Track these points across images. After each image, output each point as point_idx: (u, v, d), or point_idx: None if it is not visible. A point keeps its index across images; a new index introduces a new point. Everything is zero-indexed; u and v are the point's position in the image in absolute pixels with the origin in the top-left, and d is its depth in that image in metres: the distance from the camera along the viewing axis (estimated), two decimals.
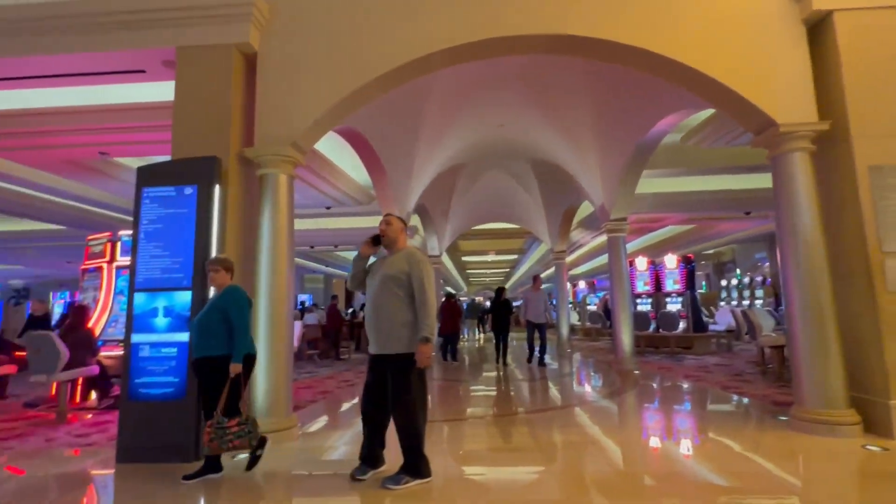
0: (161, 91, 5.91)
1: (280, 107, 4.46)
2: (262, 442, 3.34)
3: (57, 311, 15.14)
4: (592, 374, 8.50)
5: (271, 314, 4.21)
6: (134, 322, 3.88)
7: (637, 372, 7.87)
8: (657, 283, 12.33)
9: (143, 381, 3.79)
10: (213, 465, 3.27)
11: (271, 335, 4.19)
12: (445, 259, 18.81)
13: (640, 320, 10.78)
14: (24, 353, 6.10)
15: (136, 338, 3.85)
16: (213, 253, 3.96)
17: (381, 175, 7.79)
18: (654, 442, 4.15)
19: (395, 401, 3.05)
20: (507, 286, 31.59)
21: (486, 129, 8.75)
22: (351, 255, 19.59)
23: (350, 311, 15.95)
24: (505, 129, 8.73)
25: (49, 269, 20.19)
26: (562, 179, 10.33)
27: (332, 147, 8.36)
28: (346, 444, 4.17)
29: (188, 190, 3.98)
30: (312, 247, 16.94)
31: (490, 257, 27.92)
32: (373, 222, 12.74)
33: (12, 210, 10.78)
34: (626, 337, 8.15)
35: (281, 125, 4.42)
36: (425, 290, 3.10)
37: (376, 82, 4.49)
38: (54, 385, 5.87)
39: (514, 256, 28.16)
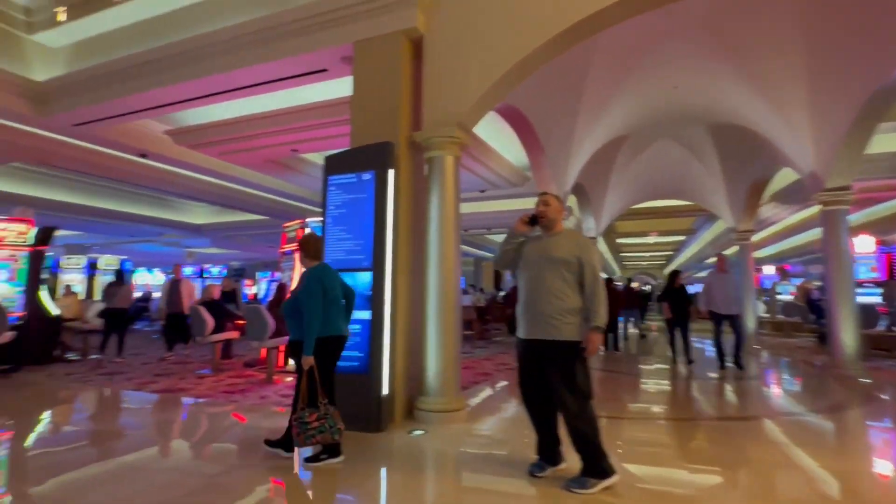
0: (340, 88, 6.45)
1: (445, 87, 4.45)
2: (335, 449, 3.23)
3: (262, 288, 18.11)
4: (795, 378, 7.08)
5: (440, 296, 4.28)
6: None
7: (866, 381, 6.27)
8: (890, 269, 9.74)
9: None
10: (332, 450, 3.24)
11: (440, 317, 4.25)
12: (600, 242, 17.68)
13: (864, 315, 8.62)
14: (243, 322, 7.33)
15: None
16: (389, 236, 4.13)
17: (539, 154, 7.46)
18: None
19: (562, 392, 2.81)
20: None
21: (656, 94, 7.76)
22: (501, 237, 19.62)
23: (502, 293, 15.99)
24: (679, 92, 7.64)
25: (257, 252, 24.38)
26: (751, 146, 8.74)
27: (487, 129, 8.28)
28: (514, 429, 4.07)
29: (366, 175, 4.21)
30: (466, 230, 17.40)
31: (651, 239, 25.50)
32: (525, 204, 12.54)
33: (231, 204, 13.10)
34: (846, 335, 6.56)
35: (447, 105, 4.42)
36: (597, 277, 2.89)
37: (545, 47, 4.19)
38: (263, 350, 6.93)
39: (680, 238, 25.27)
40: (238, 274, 20.56)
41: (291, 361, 7.27)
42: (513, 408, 4.90)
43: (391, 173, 4.20)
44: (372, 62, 4.60)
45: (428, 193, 4.45)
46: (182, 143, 8.56)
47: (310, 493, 3.01)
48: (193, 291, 8.47)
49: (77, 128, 7.40)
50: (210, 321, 6.93)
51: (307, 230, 8.03)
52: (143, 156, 8.92)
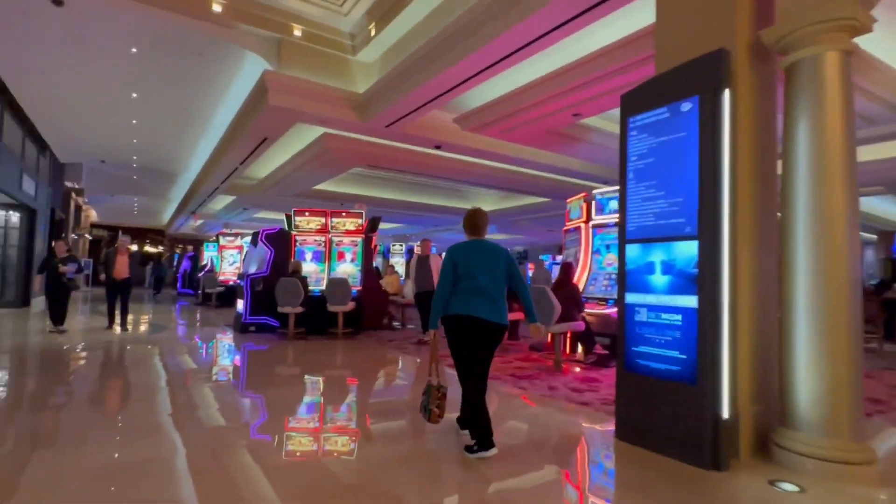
0: (623, 26, 5.26)
1: None
2: (484, 439, 2.86)
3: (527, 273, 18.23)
4: None
5: (819, 279, 2.69)
6: (627, 279, 3.27)
7: None
8: None
9: (641, 352, 3.12)
10: (481, 441, 2.87)
11: (820, 311, 2.67)
12: None
13: None
14: None
15: (630, 298, 3.24)
16: (725, 189, 2.81)
17: None
18: None
19: None
20: None
21: None
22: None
23: (876, 283, 11.10)
24: None
25: (536, 236, 25.02)
26: None
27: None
28: None
29: (685, 106, 2.98)
30: None
31: None
32: None
33: (513, 187, 13.36)
34: None
35: None
36: None
37: None
38: (550, 335, 6.42)
39: None
40: (521, 257, 21.36)
41: (580, 348, 6.57)
42: None
43: (726, 96, 2.85)
44: None
45: (790, 122, 2.88)
46: (467, 128, 8.87)
47: None
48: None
49: (389, 128, 8.47)
50: None
51: (592, 201, 7.13)
52: (438, 147, 9.72)
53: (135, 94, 8.84)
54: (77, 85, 8.48)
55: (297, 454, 3.08)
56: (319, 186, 13.67)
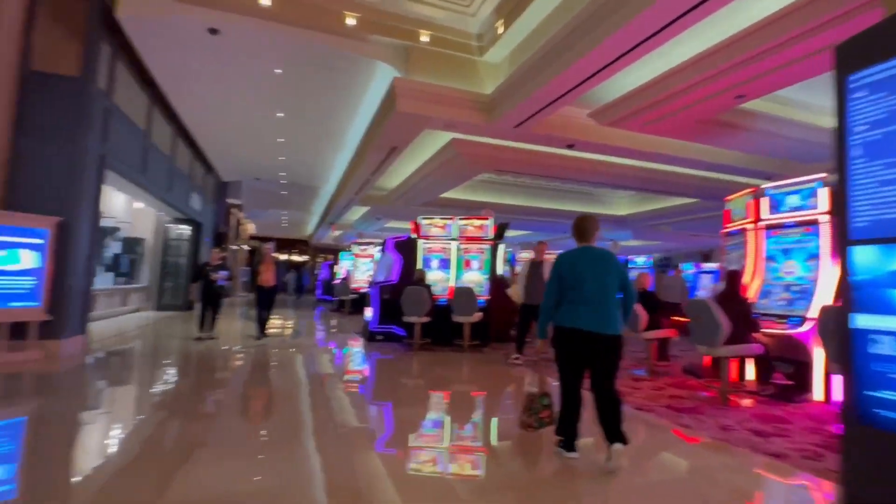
0: None
1: None
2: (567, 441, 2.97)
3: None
4: None
5: None
6: (856, 294, 2.37)
7: None
8: None
9: (883, 398, 2.22)
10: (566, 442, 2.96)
11: None
12: None
13: None
14: (681, 319, 6.01)
15: (862, 321, 2.33)
16: None
17: None
18: None
19: None
20: None
21: None
22: None
23: None
24: None
25: (677, 242, 22.46)
26: None
27: None
28: None
29: None
30: None
31: None
32: None
33: (654, 187, 12.01)
34: None
35: None
36: None
37: None
38: (707, 358, 5.39)
39: None
40: (664, 265, 19.35)
41: (747, 373, 5.41)
42: None
43: None
44: None
45: None
46: (605, 122, 8.07)
47: None
48: None
49: (518, 129, 8.05)
50: (643, 315, 5.95)
51: (761, 198, 5.88)
52: (571, 146, 9.03)
53: (280, 114, 9.70)
54: (230, 108, 9.57)
55: (423, 469, 2.94)
56: (446, 194, 13.78)
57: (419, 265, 8.39)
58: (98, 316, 9.19)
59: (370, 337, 8.23)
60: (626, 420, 2.87)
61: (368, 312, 8.50)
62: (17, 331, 5.46)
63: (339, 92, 8.63)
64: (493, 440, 3.67)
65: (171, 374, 5.66)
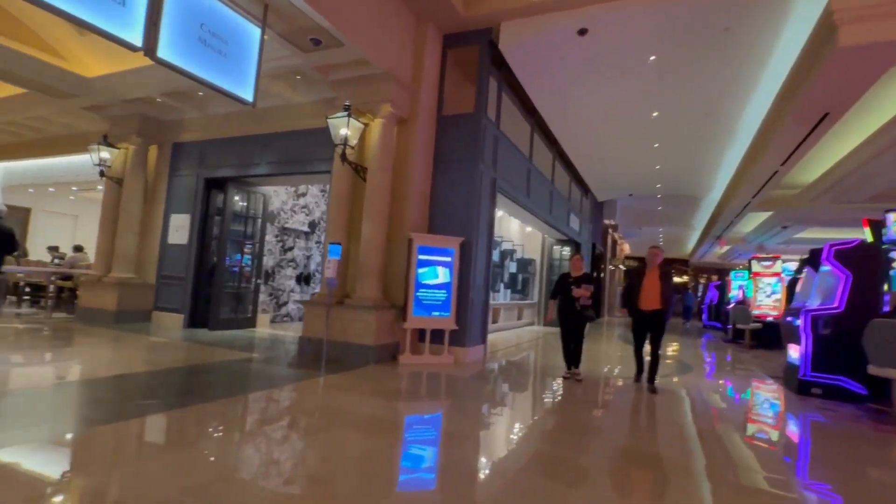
0: None
1: None
2: None
3: None
4: None
5: None
6: None
7: None
8: None
9: None
10: None
11: None
12: None
13: None
14: None
15: None
16: None
17: None
18: None
19: None
20: None
21: None
22: None
23: None
24: None
25: None
26: None
27: None
28: None
29: None
30: None
31: None
32: None
33: None
34: None
35: None
36: None
37: None
38: None
39: None
40: None
41: None
42: None
43: None
44: None
45: None
46: None
47: None
48: None
49: None
50: None
51: None
52: None
53: (655, 113, 8.52)
54: (604, 118, 9.03)
55: None
56: None
57: (890, 285, 5.40)
58: (496, 328, 10.36)
59: (800, 388, 5.79)
60: None
61: (794, 351, 6.08)
62: (435, 337, 6.42)
63: (732, 67, 6.76)
64: None
65: (555, 387, 5.33)
